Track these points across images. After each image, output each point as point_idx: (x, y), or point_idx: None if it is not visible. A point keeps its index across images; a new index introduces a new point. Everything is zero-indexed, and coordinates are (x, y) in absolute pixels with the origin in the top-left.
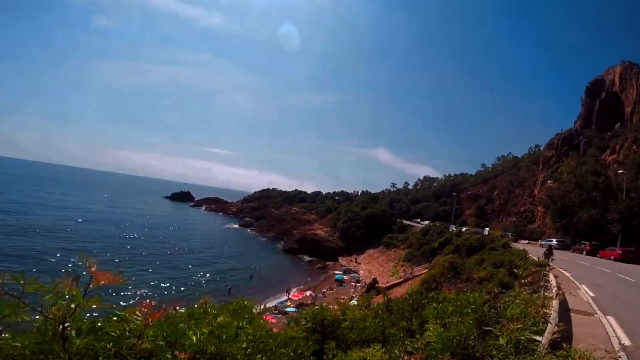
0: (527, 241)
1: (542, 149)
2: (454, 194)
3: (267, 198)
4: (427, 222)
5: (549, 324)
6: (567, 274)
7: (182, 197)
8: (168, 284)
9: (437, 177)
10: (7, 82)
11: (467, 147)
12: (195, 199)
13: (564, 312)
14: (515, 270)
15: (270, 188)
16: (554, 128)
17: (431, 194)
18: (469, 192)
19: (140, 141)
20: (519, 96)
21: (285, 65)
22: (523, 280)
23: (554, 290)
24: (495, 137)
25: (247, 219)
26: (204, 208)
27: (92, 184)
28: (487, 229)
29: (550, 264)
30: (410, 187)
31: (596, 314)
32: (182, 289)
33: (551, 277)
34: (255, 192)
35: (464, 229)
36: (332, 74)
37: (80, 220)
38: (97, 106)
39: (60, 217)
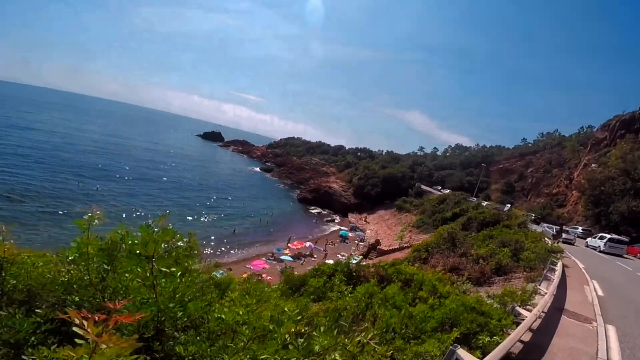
0: (548, 225)
1: (595, 130)
2: (483, 164)
3: (290, 146)
4: (448, 191)
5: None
6: (581, 265)
7: (212, 136)
8: (178, 216)
9: (470, 147)
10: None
11: (509, 119)
12: (224, 140)
13: (555, 312)
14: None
15: (295, 137)
16: (613, 109)
17: (459, 163)
18: (501, 166)
19: (181, 83)
20: (577, 70)
21: (323, 16)
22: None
23: (553, 283)
24: (542, 112)
25: (269, 164)
26: (231, 149)
27: (137, 118)
28: (509, 205)
29: (555, 244)
30: (439, 153)
31: (595, 321)
32: (189, 219)
33: (559, 266)
34: (280, 139)
35: (485, 203)
36: (372, 28)
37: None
38: (144, 49)
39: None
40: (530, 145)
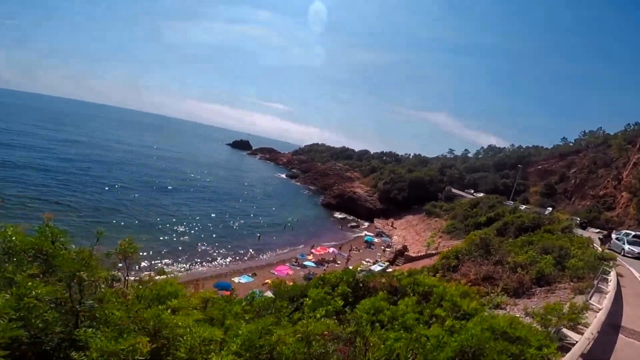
0: (597, 230)
1: None
2: (519, 166)
3: (315, 152)
4: (482, 194)
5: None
6: (637, 274)
7: (241, 145)
8: (206, 223)
9: (504, 148)
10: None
11: (545, 119)
12: (252, 148)
13: (608, 329)
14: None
15: (320, 143)
16: None
17: (492, 164)
18: (539, 167)
19: (206, 93)
20: (617, 67)
21: (346, 20)
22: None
23: (607, 296)
24: (582, 111)
25: (294, 170)
26: (258, 156)
27: (168, 129)
28: (550, 209)
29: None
30: (470, 155)
31: None
32: (220, 227)
33: (612, 275)
34: (305, 146)
35: (523, 206)
36: (397, 31)
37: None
38: (173, 62)
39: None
40: (571, 144)
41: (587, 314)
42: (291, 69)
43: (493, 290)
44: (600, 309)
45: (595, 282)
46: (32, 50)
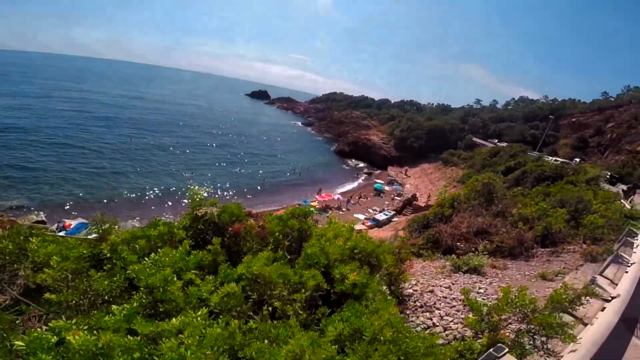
0: (627, 187)
1: None
2: (551, 116)
3: (332, 101)
4: (505, 144)
5: None
6: None
7: (259, 95)
8: (217, 164)
9: (537, 100)
10: None
11: (587, 71)
12: (270, 98)
13: (620, 333)
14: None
15: (337, 92)
16: None
17: (521, 115)
18: (574, 119)
19: (228, 47)
20: None
21: None
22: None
23: (628, 272)
24: (628, 68)
25: (310, 118)
26: (275, 106)
27: (192, 83)
28: (578, 159)
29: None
30: (499, 106)
31: None
32: (227, 171)
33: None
34: (322, 95)
35: (549, 158)
36: None
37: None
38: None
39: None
40: (612, 99)
41: (586, 304)
42: (318, 19)
43: (484, 248)
44: (611, 297)
45: (616, 246)
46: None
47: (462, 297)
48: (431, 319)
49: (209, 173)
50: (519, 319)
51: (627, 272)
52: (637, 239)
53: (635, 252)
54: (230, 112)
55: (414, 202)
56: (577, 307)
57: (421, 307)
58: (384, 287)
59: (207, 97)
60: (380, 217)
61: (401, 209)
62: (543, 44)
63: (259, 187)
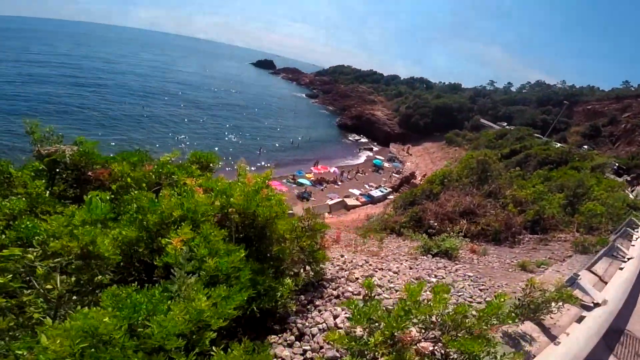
0: (630, 176)
1: None
2: (565, 102)
3: (339, 74)
4: (514, 127)
5: None
6: None
7: (265, 64)
8: (209, 133)
9: (554, 85)
10: None
11: (610, 59)
12: (276, 68)
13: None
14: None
15: (345, 65)
16: None
17: (535, 99)
18: (589, 107)
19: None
20: None
21: None
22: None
23: (624, 269)
24: None
25: (315, 90)
26: (281, 76)
27: (194, 50)
28: (586, 146)
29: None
30: (513, 89)
31: None
32: (223, 139)
33: None
34: (329, 67)
35: (557, 144)
36: None
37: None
38: None
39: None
40: (633, 89)
41: (556, 312)
42: None
43: (460, 230)
44: (593, 304)
45: (612, 237)
46: None
47: (409, 286)
48: (339, 316)
49: (206, 141)
50: (434, 335)
51: (621, 268)
52: (638, 231)
53: (634, 245)
54: (231, 80)
55: (412, 180)
56: (544, 316)
57: (337, 297)
58: (301, 269)
59: (211, 65)
60: (376, 193)
61: (398, 187)
62: (568, 31)
63: (254, 157)
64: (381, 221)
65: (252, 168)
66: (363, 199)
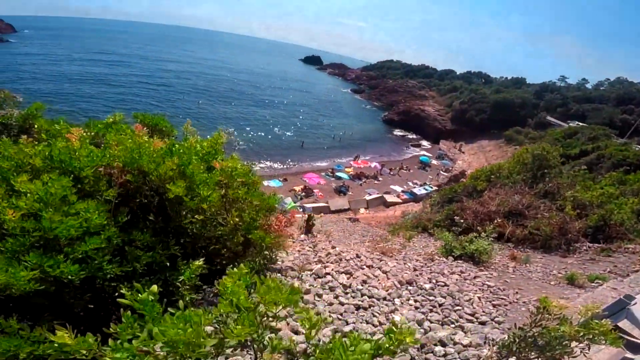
0: None
1: None
2: None
3: (387, 69)
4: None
5: None
6: None
7: (312, 60)
8: (256, 128)
9: (638, 83)
10: None
11: None
12: (323, 64)
13: None
14: None
15: (394, 60)
16: None
17: (614, 97)
18: None
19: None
20: None
21: None
22: None
23: None
24: None
25: (362, 85)
26: (327, 71)
27: (245, 48)
28: None
29: None
30: (588, 86)
31: None
32: (268, 132)
33: None
34: (377, 62)
35: (638, 147)
36: None
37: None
38: None
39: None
40: None
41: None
42: None
43: (492, 231)
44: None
45: None
46: None
47: (392, 291)
48: None
49: (253, 132)
50: None
51: None
52: None
53: None
54: (281, 76)
55: (462, 179)
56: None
57: None
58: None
59: (265, 62)
60: (419, 191)
61: (446, 185)
62: None
63: (296, 149)
64: (415, 218)
65: (291, 163)
66: (405, 197)
